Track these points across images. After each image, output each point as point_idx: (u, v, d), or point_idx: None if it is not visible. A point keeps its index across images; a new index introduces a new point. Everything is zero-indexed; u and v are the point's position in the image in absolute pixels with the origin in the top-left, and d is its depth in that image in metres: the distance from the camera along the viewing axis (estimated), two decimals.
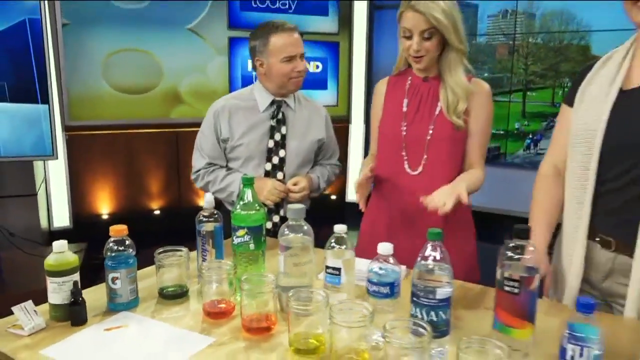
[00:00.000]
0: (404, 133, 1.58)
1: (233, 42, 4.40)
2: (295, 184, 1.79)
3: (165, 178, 4.47)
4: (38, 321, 1.08)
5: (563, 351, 0.85)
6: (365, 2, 4.75)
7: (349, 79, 4.82)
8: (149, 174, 4.44)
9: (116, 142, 4.27)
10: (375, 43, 4.89)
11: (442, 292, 0.95)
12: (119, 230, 1.18)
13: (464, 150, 1.58)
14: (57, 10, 3.75)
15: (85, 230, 3.95)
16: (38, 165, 3.61)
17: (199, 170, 1.93)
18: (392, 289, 1.01)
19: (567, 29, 4.01)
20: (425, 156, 1.56)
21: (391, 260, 1.03)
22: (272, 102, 1.87)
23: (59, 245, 1.13)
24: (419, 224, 1.49)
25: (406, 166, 1.59)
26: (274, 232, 1.75)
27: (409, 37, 1.51)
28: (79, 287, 1.12)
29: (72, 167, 4.01)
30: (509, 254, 0.91)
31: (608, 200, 1.22)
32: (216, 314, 1.15)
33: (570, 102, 1.33)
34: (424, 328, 0.88)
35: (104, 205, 4.26)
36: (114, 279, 1.16)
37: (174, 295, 1.25)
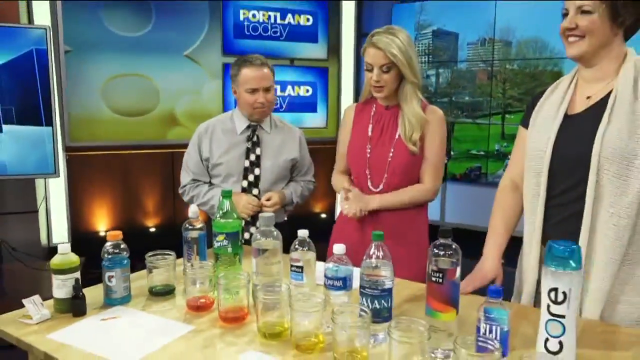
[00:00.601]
0: (369, 155, 1.79)
1: (227, 68, 4.62)
2: (268, 199, 1.99)
3: (160, 196, 4.65)
4: (44, 312, 1.27)
5: (478, 329, 1.04)
6: (353, 30, 5.01)
7: (338, 102, 5.04)
8: (145, 193, 4.62)
9: (114, 162, 4.46)
10: (362, 68, 5.13)
11: (384, 284, 1.14)
12: (115, 235, 1.37)
13: (419, 169, 1.80)
14: (60, 38, 3.98)
15: (83, 246, 4.08)
16: (39, 183, 3.80)
17: (185, 186, 2.13)
18: (344, 283, 1.20)
19: (541, 56, 4.26)
20: (385, 175, 1.77)
21: (344, 258, 1.22)
22: (248, 126, 2.08)
23: (64, 247, 1.32)
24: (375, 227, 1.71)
25: (369, 184, 1.80)
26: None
27: (371, 70, 1.73)
28: (80, 283, 1.31)
29: (72, 186, 4.19)
30: (436, 251, 1.10)
31: (556, 213, 1.38)
32: (197, 308, 1.33)
33: (525, 125, 1.52)
34: (365, 312, 1.07)
35: (101, 222, 4.44)
36: (110, 277, 1.35)
37: (162, 292, 1.43)
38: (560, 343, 0.97)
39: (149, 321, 1.28)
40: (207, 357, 1.11)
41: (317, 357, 1.10)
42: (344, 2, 4.95)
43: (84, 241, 4.21)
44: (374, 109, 1.84)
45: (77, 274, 1.31)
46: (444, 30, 4.68)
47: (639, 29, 1.37)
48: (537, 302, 1.41)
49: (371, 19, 5.13)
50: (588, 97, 1.37)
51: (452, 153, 4.81)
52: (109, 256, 1.36)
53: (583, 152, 1.31)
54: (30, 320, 1.25)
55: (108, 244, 1.36)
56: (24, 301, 1.27)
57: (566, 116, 1.39)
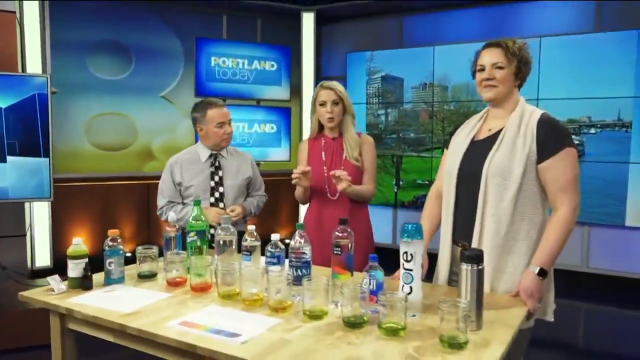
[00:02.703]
0: (326, 174, 2.41)
1: None
2: (232, 210, 2.50)
3: (137, 224, 5.08)
4: (62, 286, 1.75)
5: (363, 282, 1.57)
6: (312, 74, 5.65)
7: (300, 138, 5.62)
8: (123, 220, 5.05)
9: (95, 192, 4.90)
10: None
11: (304, 258, 1.67)
12: (113, 232, 1.87)
13: (362, 178, 2.44)
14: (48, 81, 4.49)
15: (64, 269, 4.45)
16: (26, 210, 4.21)
17: (162, 207, 2.63)
18: (279, 260, 1.72)
19: (473, 98, 4.95)
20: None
21: (279, 243, 1.74)
22: (211, 155, 2.61)
23: (77, 240, 1.81)
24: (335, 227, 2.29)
25: (328, 194, 2.42)
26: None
27: (324, 105, 2.39)
28: (88, 266, 1.79)
29: (55, 214, 4.59)
30: (337, 233, 1.64)
31: (461, 218, 1.85)
32: (175, 284, 1.83)
33: (447, 147, 1.99)
34: (290, 275, 1.59)
35: None
36: (110, 263, 1.84)
37: (148, 276, 1.92)
38: (411, 287, 1.50)
39: (139, 292, 1.77)
40: (182, 308, 1.61)
41: (258, 308, 1.61)
42: (304, 50, 5.60)
43: (65, 265, 4.58)
44: (323, 141, 2.48)
45: (86, 260, 1.80)
46: (391, 75, 5.36)
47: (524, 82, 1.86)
48: (450, 282, 1.87)
49: (328, 65, 5.81)
50: (489, 129, 1.84)
51: (400, 183, 5.42)
52: (109, 248, 1.85)
53: (477, 169, 1.76)
54: (52, 292, 1.72)
55: (108, 239, 1.86)
56: (48, 279, 1.75)
57: (473, 142, 1.86)
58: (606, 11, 4.49)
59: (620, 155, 4.37)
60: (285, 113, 5.57)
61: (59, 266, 4.49)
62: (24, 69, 4.19)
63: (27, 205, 4.12)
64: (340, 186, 2.26)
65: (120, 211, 5.03)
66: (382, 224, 5.42)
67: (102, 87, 4.92)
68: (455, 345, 1.29)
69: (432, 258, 1.96)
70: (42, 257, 4.52)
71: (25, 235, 4.10)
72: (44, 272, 4.37)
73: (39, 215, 4.45)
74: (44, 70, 4.42)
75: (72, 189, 4.73)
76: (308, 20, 5.53)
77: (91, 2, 4.79)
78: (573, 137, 4.40)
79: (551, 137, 1.73)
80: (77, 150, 4.86)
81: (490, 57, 1.82)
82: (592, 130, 4.49)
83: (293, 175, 2.31)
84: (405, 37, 5.43)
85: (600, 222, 4.48)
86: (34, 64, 4.30)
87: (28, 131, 3.05)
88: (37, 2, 4.22)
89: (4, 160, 2.98)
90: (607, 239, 4.53)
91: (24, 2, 4.16)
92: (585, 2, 4.56)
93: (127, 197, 5.06)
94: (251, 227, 1.83)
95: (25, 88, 3.01)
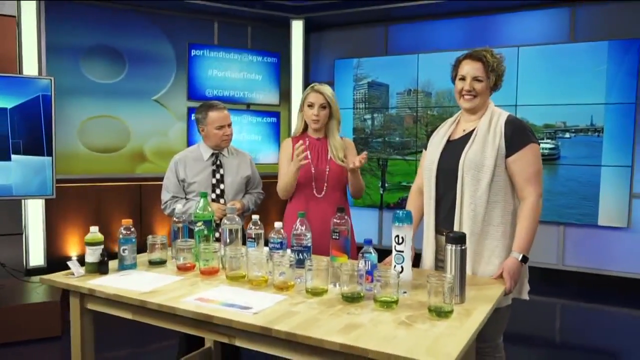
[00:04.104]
0: (313, 172, 2.52)
1: (191, 111, 5.30)
2: (232, 206, 2.65)
3: None
4: (81, 270, 1.89)
5: (359, 263, 1.74)
6: (301, 79, 5.83)
7: None
8: (115, 221, 5.07)
9: (88, 193, 4.99)
10: None
11: (304, 244, 1.84)
12: (127, 221, 2.01)
13: (346, 179, 2.53)
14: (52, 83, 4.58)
15: (57, 268, 4.53)
16: (22, 209, 4.30)
17: (166, 202, 2.77)
18: (281, 245, 1.89)
19: (455, 104, 5.15)
20: (325, 184, 2.51)
21: (282, 231, 1.91)
22: (212, 154, 2.77)
23: (93, 229, 1.95)
24: (322, 222, 2.39)
25: (314, 192, 2.53)
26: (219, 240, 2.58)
27: (312, 107, 2.49)
28: (105, 252, 1.94)
29: (49, 215, 4.67)
30: (335, 220, 1.82)
31: (442, 209, 2.05)
32: (185, 268, 1.99)
33: (425, 148, 2.22)
34: (292, 258, 1.76)
35: (74, 248, 4.92)
36: (124, 250, 1.99)
37: (158, 262, 2.07)
38: (402, 267, 1.69)
39: (153, 275, 1.93)
40: (195, 288, 1.77)
41: (263, 287, 1.77)
42: (293, 57, 5.78)
43: (58, 264, 4.66)
44: (307, 141, 2.60)
45: (102, 246, 1.94)
46: (377, 82, 5.58)
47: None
48: (435, 269, 2.06)
49: (317, 71, 6.00)
50: (464, 130, 2.07)
51: (386, 185, 5.62)
52: (123, 236, 2.00)
53: (454, 164, 1.97)
54: (72, 276, 1.87)
55: (122, 227, 2.01)
56: (69, 263, 1.89)
57: (449, 141, 2.08)
58: (580, 23, 4.77)
59: (592, 158, 4.64)
60: (275, 117, 5.74)
61: (52, 266, 4.57)
62: (20, 71, 4.29)
63: (22, 204, 4.21)
64: (362, 158, 2.30)
65: (112, 213, 5.10)
66: (368, 225, 5.62)
67: (95, 90, 5.03)
68: (442, 313, 1.48)
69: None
70: (36, 257, 4.59)
71: (22, 233, 4.18)
72: (37, 271, 4.46)
73: (33, 216, 4.51)
74: (40, 73, 4.52)
75: (66, 190, 4.80)
76: (297, 28, 5.72)
77: (86, 8, 4.91)
78: (550, 141, 4.75)
79: (517, 134, 1.96)
80: (70, 152, 4.95)
81: (472, 69, 2.01)
82: (567, 135, 4.75)
83: (296, 152, 2.35)
84: (390, 45, 5.65)
85: (575, 221, 4.73)
86: (30, 67, 4.40)
87: (32, 131, 3.17)
88: (35, 5, 4.33)
89: (9, 159, 3.10)
90: (581, 238, 4.79)
91: (22, 6, 4.27)
92: (561, 14, 4.84)
93: (119, 198, 5.15)
94: (255, 217, 1.99)
95: (30, 90, 3.14)
